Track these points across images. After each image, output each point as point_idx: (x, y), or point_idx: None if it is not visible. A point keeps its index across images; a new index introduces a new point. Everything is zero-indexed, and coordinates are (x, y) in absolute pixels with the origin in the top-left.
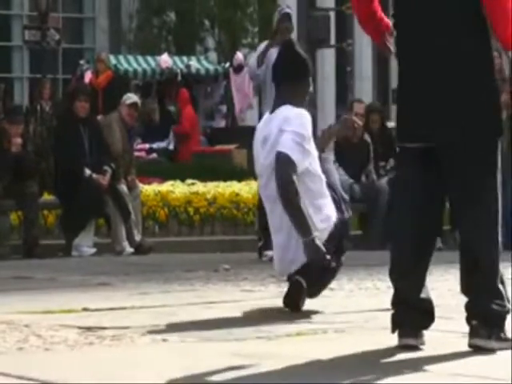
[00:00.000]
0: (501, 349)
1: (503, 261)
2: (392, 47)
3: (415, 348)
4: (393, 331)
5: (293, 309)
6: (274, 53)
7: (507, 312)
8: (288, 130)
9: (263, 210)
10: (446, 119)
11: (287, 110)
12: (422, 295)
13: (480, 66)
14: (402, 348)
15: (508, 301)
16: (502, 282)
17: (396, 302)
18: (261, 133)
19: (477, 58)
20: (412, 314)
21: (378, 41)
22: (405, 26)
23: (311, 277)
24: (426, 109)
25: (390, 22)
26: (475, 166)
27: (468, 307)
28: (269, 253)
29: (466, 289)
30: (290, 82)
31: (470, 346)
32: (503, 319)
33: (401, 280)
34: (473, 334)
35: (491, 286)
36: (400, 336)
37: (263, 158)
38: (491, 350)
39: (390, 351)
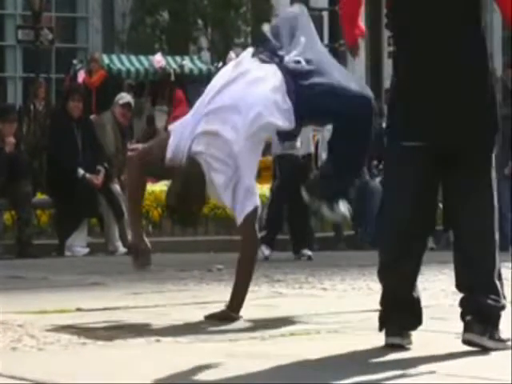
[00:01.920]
0: (495, 349)
1: (502, 261)
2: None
3: (401, 347)
4: (380, 330)
5: None
6: None
7: (502, 308)
8: None
9: (278, 206)
10: (448, 119)
11: None
12: (412, 295)
13: (479, 68)
14: (388, 347)
15: (504, 297)
16: (500, 278)
17: (384, 301)
18: None
19: (476, 59)
20: (399, 314)
21: (352, 43)
22: (405, 29)
23: None
24: (428, 108)
25: (364, 27)
26: (474, 164)
27: (463, 303)
28: (265, 251)
29: (461, 285)
30: None
31: (464, 341)
32: (498, 315)
33: (389, 279)
34: (467, 329)
35: (487, 281)
36: (386, 335)
37: None
38: (484, 348)
39: (383, 351)
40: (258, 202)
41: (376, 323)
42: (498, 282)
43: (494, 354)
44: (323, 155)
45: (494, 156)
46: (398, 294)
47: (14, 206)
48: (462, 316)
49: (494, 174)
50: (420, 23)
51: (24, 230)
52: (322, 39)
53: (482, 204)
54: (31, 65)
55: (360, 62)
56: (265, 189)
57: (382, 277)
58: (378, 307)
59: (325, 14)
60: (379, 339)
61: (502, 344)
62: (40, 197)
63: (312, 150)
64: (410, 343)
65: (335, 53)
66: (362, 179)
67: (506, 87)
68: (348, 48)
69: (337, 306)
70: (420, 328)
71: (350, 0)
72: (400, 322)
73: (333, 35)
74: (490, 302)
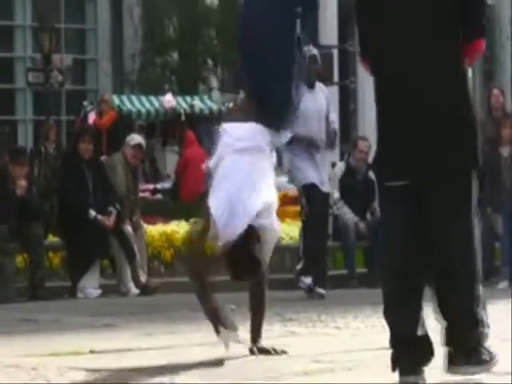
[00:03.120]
0: (480, 371)
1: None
2: None
3: None
4: (393, 370)
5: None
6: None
7: (485, 338)
8: None
9: (310, 237)
10: (425, 155)
11: None
12: (419, 332)
13: (457, 99)
14: None
15: (488, 326)
16: (484, 308)
17: (393, 341)
18: None
19: (453, 90)
20: (410, 352)
21: None
22: (381, 63)
23: None
24: (406, 146)
25: None
26: (451, 195)
27: (446, 333)
28: (307, 280)
29: (443, 313)
30: None
31: (448, 372)
32: (481, 345)
33: (395, 319)
34: (451, 361)
35: (469, 311)
36: (400, 374)
37: None
38: (470, 374)
39: None
40: None
41: (389, 361)
42: (481, 312)
43: None
44: (335, 193)
45: (475, 187)
46: (406, 332)
47: (26, 249)
48: (446, 345)
49: (475, 206)
50: (394, 60)
51: (36, 273)
52: (331, 76)
53: (460, 233)
54: (41, 107)
55: (370, 99)
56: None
57: (388, 317)
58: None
59: (334, 52)
60: (393, 377)
61: (485, 365)
62: (51, 239)
63: (328, 189)
64: (425, 380)
65: (345, 89)
66: (375, 216)
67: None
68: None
69: (350, 344)
70: (433, 365)
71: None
72: (412, 359)
73: (342, 72)
74: (473, 333)
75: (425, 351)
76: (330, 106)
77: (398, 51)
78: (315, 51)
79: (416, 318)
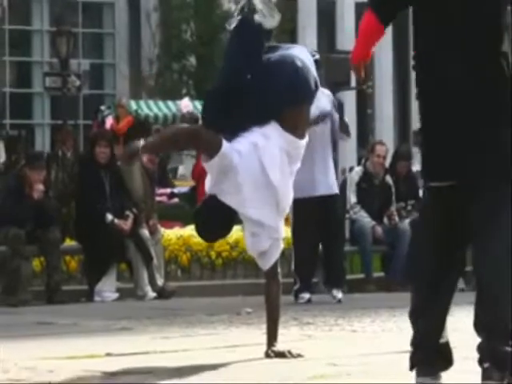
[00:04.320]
0: None
1: None
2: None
3: None
4: (410, 369)
5: None
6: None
7: None
8: None
9: (298, 251)
10: (472, 156)
11: None
12: (441, 340)
13: (502, 105)
14: None
15: None
16: None
17: (415, 342)
18: None
19: (499, 97)
20: (430, 356)
21: (361, 78)
22: (429, 65)
23: None
24: (452, 147)
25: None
26: (497, 195)
27: (481, 349)
28: (305, 295)
29: (479, 327)
30: None
31: None
32: None
33: (420, 322)
34: (485, 376)
35: (505, 325)
36: (417, 375)
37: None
38: None
39: None
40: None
41: (407, 365)
42: None
43: None
44: (352, 198)
45: None
46: (430, 338)
47: (43, 253)
48: (480, 362)
49: None
50: (445, 60)
51: (52, 276)
52: (348, 81)
53: (503, 246)
54: (59, 112)
55: (388, 104)
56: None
57: (413, 319)
58: (409, 348)
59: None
60: (410, 381)
61: None
62: (69, 243)
63: (337, 190)
64: (441, 382)
65: (363, 94)
66: (392, 221)
67: None
68: (353, 63)
69: (367, 348)
70: (452, 369)
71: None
72: (431, 363)
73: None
74: (507, 348)
75: (444, 358)
76: (334, 108)
77: (449, 51)
78: (317, 56)
79: (442, 323)
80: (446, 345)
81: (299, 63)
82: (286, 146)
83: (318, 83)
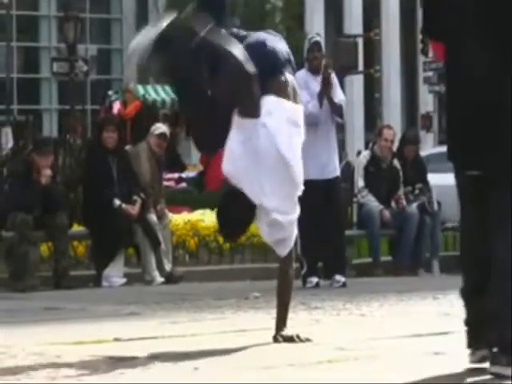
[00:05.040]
0: None
1: None
2: None
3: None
4: (468, 346)
5: None
6: (311, 80)
7: None
8: None
9: (303, 234)
10: (491, 148)
11: None
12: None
13: None
14: (478, 362)
15: None
16: None
17: (469, 320)
18: None
19: None
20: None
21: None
22: (456, 60)
23: None
24: (477, 136)
25: None
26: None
27: (489, 334)
28: (313, 280)
29: (489, 313)
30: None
31: (491, 373)
32: None
33: (472, 302)
34: (493, 361)
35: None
36: (476, 348)
37: None
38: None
39: (422, 378)
40: None
41: (415, 348)
42: None
43: None
44: (360, 182)
45: None
46: (479, 317)
47: (51, 238)
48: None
49: None
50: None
51: (60, 262)
52: (356, 65)
53: None
54: (66, 97)
55: (395, 89)
56: None
57: (465, 300)
58: (416, 332)
59: (359, 41)
60: (418, 365)
61: None
62: (76, 228)
63: (338, 173)
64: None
65: (370, 78)
66: (400, 205)
67: None
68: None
69: (375, 332)
70: (460, 354)
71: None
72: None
73: (367, 61)
74: None
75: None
76: (336, 91)
77: (478, 40)
78: (318, 38)
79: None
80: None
81: (264, 41)
82: (287, 114)
83: (291, 55)
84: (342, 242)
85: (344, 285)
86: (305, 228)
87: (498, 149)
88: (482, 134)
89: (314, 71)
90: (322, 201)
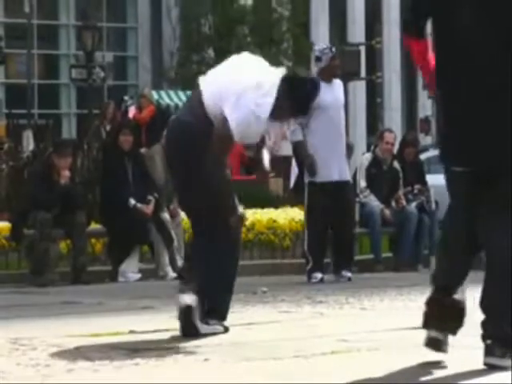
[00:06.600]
0: None
1: None
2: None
3: (439, 345)
4: (424, 326)
5: None
6: (323, 87)
7: None
8: None
9: (311, 232)
10: (487, 145)
11: None
12: (457, 296)
13: None
14: (426, 365)
15: None
16: None
17: (433, 293)
18: None
19: None
20: (442, 309)
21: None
22: (450, 58)
23: None
24: (472, 135)
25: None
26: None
27: (485, 326)
28: (318, 275)
29: (484, 306)
30: None
31: (485, 364)
32: None
33: (441, 268)
34: (488, 352)
35: (509, 306)
36: (427, 328)
37: None
38: (505, 368)
39: (422, 369)
40: None
41: (415, 341)
42: None
43: None
44: (362, 182)
45: None
46: (446, 284)
47: (70, 236)
48: (483, 338)
49: None
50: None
51: (78, 258)
52: (359, 72)
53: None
54: (84, 101)
55: (396, 94)
56: None
57: (434, 280)
58: (416, 326)
59: (362, 49)
60: (417, 356)
61: None
62: (94, 226)
63: (349, 177)
64: (447, 340)
65: (372, 84)
66: (399, 204)
67: None
68: (427, 85)
69: (376, 325)
70: (456, 345)
71: (415, 39)
72: (442, 316)
73: (369, 68)
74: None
75: (456, 315)
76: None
77: (472, 41)
78: (333, 49)
79: (459, 276)
80: (462, 303)
81: None
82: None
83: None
84: (353, 241)
85: (349, 279)
86: (312, 226)
87: (499, 143)
88: (482, 131)
89: (330, 78)
90: (331, 202)
